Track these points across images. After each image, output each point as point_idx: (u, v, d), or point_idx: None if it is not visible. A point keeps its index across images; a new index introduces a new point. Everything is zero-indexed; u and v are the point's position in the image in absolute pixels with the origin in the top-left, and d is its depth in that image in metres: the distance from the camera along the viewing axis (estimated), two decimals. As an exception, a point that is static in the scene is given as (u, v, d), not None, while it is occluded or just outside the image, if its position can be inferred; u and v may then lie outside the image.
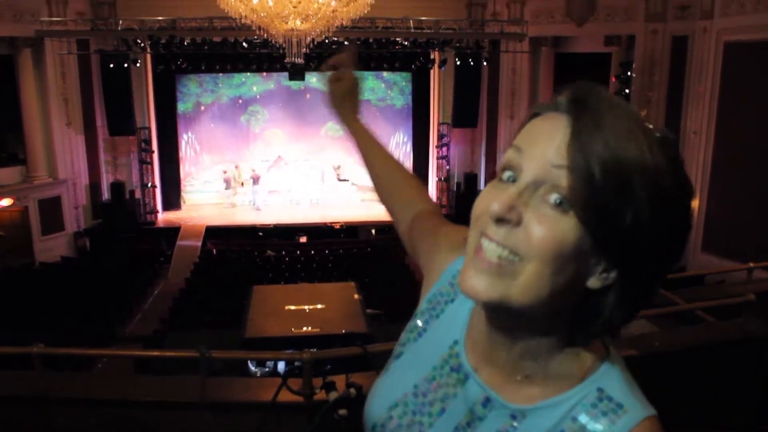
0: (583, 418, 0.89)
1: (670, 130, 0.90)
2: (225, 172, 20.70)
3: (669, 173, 0.83)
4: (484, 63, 17.90)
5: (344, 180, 21.05)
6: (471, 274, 0.86)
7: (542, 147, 0.84)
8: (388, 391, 1.10)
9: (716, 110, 14.25)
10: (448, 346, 1.06)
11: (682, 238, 0.86)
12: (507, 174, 0.87)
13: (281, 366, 6.86)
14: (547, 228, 0.81)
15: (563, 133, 0.83)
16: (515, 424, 0.94)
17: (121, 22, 16.06)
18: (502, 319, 0.92)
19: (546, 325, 0.90)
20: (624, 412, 0.88)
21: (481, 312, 0.98)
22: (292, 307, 9.05)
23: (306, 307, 9.07)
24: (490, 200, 0.85)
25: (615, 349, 0.96)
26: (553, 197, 0.81)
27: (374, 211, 20.02)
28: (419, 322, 1.14)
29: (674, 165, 0.85)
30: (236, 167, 20.81)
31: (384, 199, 1.50)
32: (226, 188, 20.71)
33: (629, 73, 16.36)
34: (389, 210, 1.47)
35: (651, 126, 0.86)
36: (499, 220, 0.83)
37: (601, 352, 0.94)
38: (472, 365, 1.01)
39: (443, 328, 1.09)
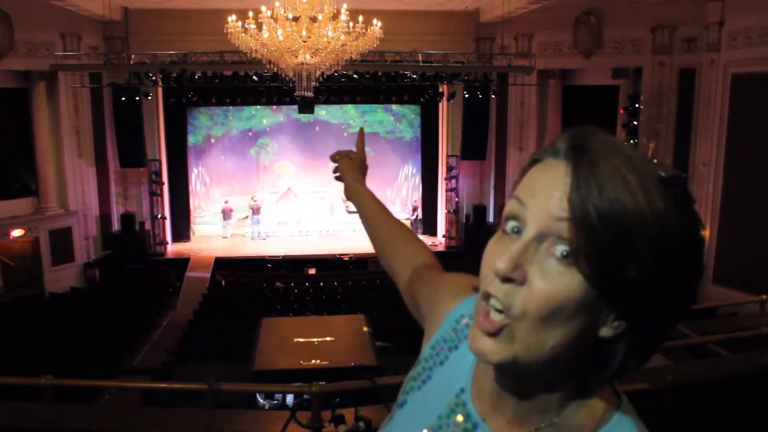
0: None
1: (678, 168, 0.89)
2: (226, 202, 20.72)
3: (674, 218, 0.79)
4: (493, 96, 18.02)
5: (353, 212, 20.97)
6: (476, 335, 0.85)
7: (544, 199, 0.82)
8: None
9: (725, 142, 14.25)
10: (455, 395, 1.03)
11: (693, 283, 0.84)
12: (511, 225, 0.85)
13: (290, 399, 6.81)
14: (551, 283, 0.79)
15: (563, 183, 0.80)
16: None
17: (133, 56, 16.29)
18: (511, 375, 0.89)
19: (557, 378, 0.88)
20: None
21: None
22: (301, 340, 9.01)
23: (315, 339, 9.02)
24: (496, 257, 0.83)
25: (626, 397, 0.94)
26: (560, 250, 0.79)
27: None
28: (422, 370, 1.11)
29: (681, 207, 0.81)
30: (252, 198, 20.85)
31: (385, 256, 1.52)
32: (224, 219, 20.68)
33: (637, 105, 16.40)
34: (390, 267, 1.50)
35: (657, 165, 0.83)
36: (505, 279, 0.81)
37: (612, 400, 0.92)
38: (479, 414, 0.98)
39: (448, 375, 1.06)
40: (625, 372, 0.87)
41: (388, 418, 1.13)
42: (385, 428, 1.12)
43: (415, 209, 21.13)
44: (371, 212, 1.62)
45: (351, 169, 1.77)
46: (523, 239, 0.82)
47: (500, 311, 0.82)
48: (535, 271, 0.80)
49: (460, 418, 1.00)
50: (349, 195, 1.72)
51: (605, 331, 0.83)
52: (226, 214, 20.61)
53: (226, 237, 20.38)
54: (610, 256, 0.77)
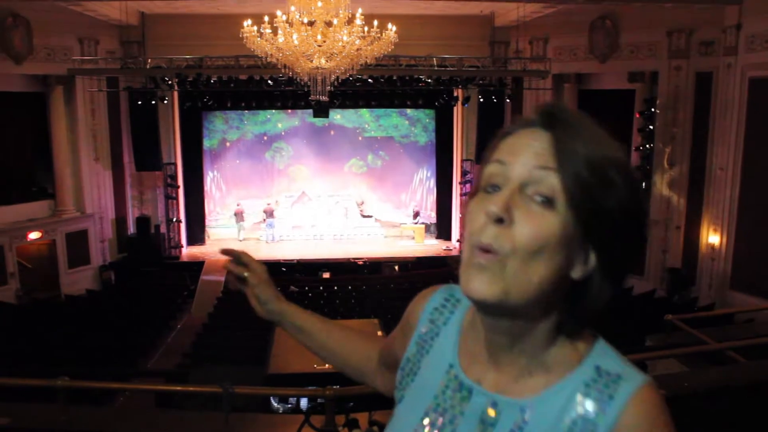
0: (587, 394, 0.98)
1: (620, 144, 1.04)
2: (238, 205, 20.80)
3: (629, 161, 1.00)
4: (507, 100, 17.96)
5: (368, 216, 21.11)
6: (470, 277, 0.97)
7: (525, 155, 0.97)
8: (402, 430, 1.15)
9: (742, 146, 14.11)
10: (445, 372, 1.13)
11: (644, 219, 1.01)
12: (490, 187, 1.00)
13: (304, 402, 6.82)
14: (535, 224, 0.94)
15: (541, 142, 0.97)
16: (526, 417, 1.01)
17: (149, 60, 16.40)
18: (501, 319, 1.01)
19: (539, 317, 1.00)
20: (622, 381, 0.97)
21: (473, 329, 1.11)
22: (315, 343, 9.00)
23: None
24: (482, 208, 0.97)
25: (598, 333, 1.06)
26: (539, 196, 0.95)
27: (397, 247, 20.04)
28: (412, 365, 1.21)
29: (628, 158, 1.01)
30: (276, 202, 20.90)
31: (346, 366, 1.51)
32: (237, 221, 20.77)
33: (653, 110, 16.30)
34: (355, 374, 1.52)
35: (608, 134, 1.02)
36: (499, 220, 0.94)
37: (591, 338, 1.04)
38: (473, 380, 1.09)
39: (435, 359, 1.16)
40: (595, 311, 1.00)
41: (392, 416, 1.21)
42: (391, 424, 1.19)
43: (416, 214, 21.08)
44: (312, 329, 1.53)
45: (267, 287, 1.54)
46: (510, 187, 0.96)
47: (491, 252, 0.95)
48: (521, 213, 0.94)
49: (454, 390, 1.10)
50: (277, 317, 1.53)
51: (576, 272, 0.97)
52: (239, 216, 20.69)
53: (241, 240, 20.45)
54: (595, 191, 0.94)
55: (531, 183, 0.95)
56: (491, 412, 1.04)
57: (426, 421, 1.11)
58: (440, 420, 1.09)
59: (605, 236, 0.95)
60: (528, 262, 0.93)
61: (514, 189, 0.96)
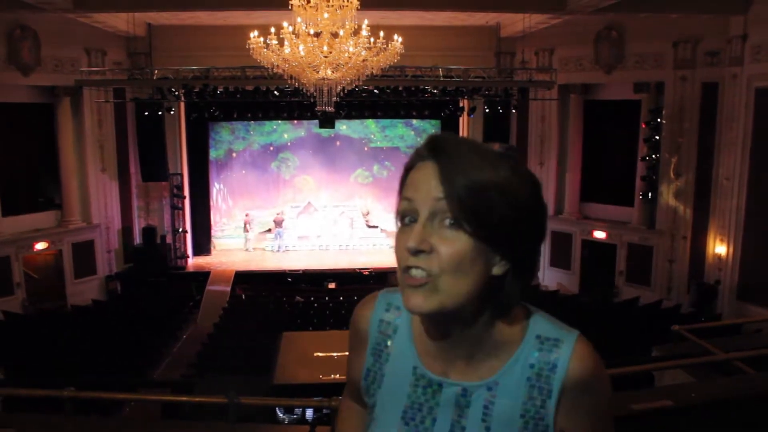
0: (536, 361, 1.21)
1: (508, 144, 1.28)
2: (247, 215, 20.82)
3: (514, 176, 1.15)
4: (513, 110, 17.97)
5: (373, 226, 21.10)
6: (408, 296, 1.16)
7: (425, 189, 1.15)
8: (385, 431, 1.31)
9: (748, 156, 14.10)
10: (411, 374, 1.30)
11: (541, 219, 1.19)
12: (407, 219, 1.18)
13: (309, 413, 6.80)
14: (451, 245, 1.12)
15: (434, 174, 1.15)
16: (494, 393, 1.23)
17: (156, 71, 16.48)
18: (448, 323, 1.22)
19: (475, 313, 1.20)
20: (561, 342, 1.21)
21: (423, 334, 1.29)
22: (321, 354, 9.02)
23: (335, 354, 9.02)
24: (403, 241, 1.16)
25: (531, 306, 1.28)
26: (447, 221, 1.13)
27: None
28: (374, 374, 1.36)
29: (516, 168, 1.17)
30: (282, 212, 20.92)
31: None
32: (245, 231, 20.80)
33: (659, 120, 16.30)
34: None
35: (493, 145, 1.20)
36: (417, 252, 1.13)
37: (525, 311, 1.26)
38: (439, 375, 1.27)
39: (397, 365, 1.32)
40: (516, 295, 1.20)
41: (370, 422, 1.36)
42: (370, 428, 1.35)
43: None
44: None
45: None
46: (420, 221, 1.15)
47: (423, 274, 1.13)
48: (437, 240, 1.13)
49: (424, 387, 1.28)
50: None
51: (497, 270, 1.16)
52: (246, 226, 20.72)
53: (248, 250, 20.47)
54: (478, 214, 1.11)
55: (437, 213, 1.14)
56: (463, 398, 1.24)
57: (406, 417, 1.28)
58: (419, 415, 1.28)
59: (501, 243, 1.14)
60: (455, 277, 1.13)
61: (424, 221, 1.14)
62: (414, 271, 1.14)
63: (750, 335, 9.22)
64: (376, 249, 20.59)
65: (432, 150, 1.18)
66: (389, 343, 1.35)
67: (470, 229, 1.12)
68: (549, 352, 1.21)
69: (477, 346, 1.24)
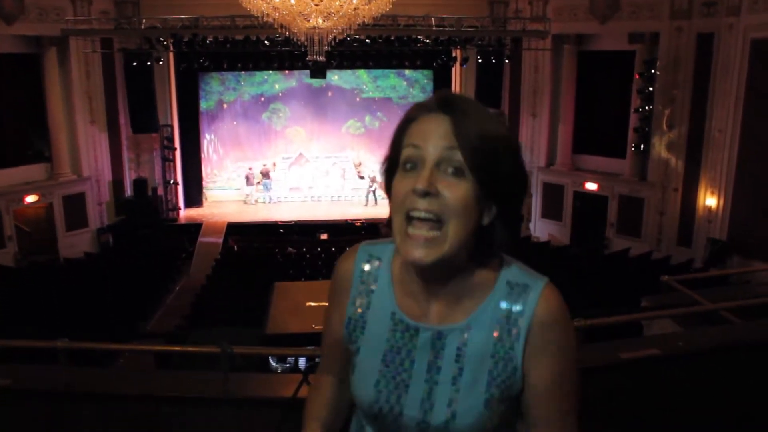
0: (505, 305, 1.32)
1: (499, 110, 1.90)
2: (250, 169, 20.75)
3: (510, 137, 1.29)
4: (506, 61, 17.80)
5: (365, 177, 21.07)
6: (411, 249, 1.25)
7: (434, 138, 1.24)
8: (366, 376, 1.39)
9: (741, 108, 14.04)
10: (390, 319, 1.39)
11: (525, 178, 1.31)
12: (409, 165, 1.26)
13: (302, 362, 6.88)
14: (455, 191, 1.22)
15: (445, 126, 1.24)
16: (466, 335, 1.32)
17: (144, 20, 16.18)
18: (431, 271, 1.29)
19: (462, 259, 1.29)
20: (530, 288, 1.31)
21: (403, 279, 1.39)
22: (313, 304, 9.08)
23: (327, 303, 9.07)
24: (407, 185, 1.25)
25: (506, 256, 1.37)
26: (451, 169, 1.23)
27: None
28: (356, 322, 1.43)
29: (509, 132, 1.32)
30: (274, 164, 20.86)
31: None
32: (248, 184, 20.77)
33: (653, 71, 16.17)
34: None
35: (490, 109, 1.30)
36: (425, 194, 1.22)
37: (499, 260, 1.36)
38: (415, 320, 1.36)
39: (378, 312, 1.41)
40: (504, 245, 1.32)
41: (353, 367, 1.43)
42: (355, 374, 1.42)
43: (373, 180, 20.67)
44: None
45: None
46: (427, 167, 1.23)
47: (430, 220, 1.22)
48: (443, 185, 1.22)
49: (402, 331, 1.37)
50: None
51: (485, 219, 1.27)
52: (249, 180, 20.68)
53: (253, 203, 20.48)
54: (487, 163, 1.22)
55: (443, 161, 1.23)
56: (438, 340, 1.33)
57: (386, 360, 1.37)
58: (398, 356, 1.36)
59: (500, 193, 1.25)
60: (460, 222, 1.22)
61: (431, 167, 1.23)
62: (420, 215, 1.23)
63: (737, 286, 9.33)
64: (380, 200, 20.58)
65: (444, 104, 1.26)
66: (370, 291, 1.43)
67: (476, 177, 1.22)
68: (518, 296, 1.31)
69: (453, 292, 1.33)
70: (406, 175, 1.27)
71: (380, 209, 19.89)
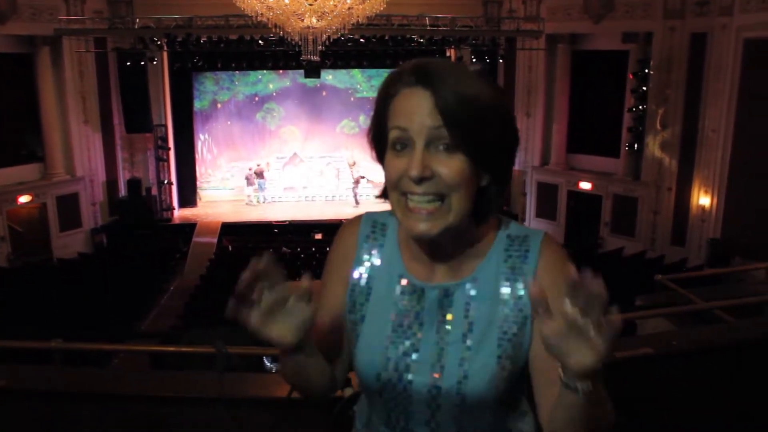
0: (508, 255, 1.31)
1: (476, 64, 1.70)
2: (250, 169, 20.74)
3: (496, 94, 1.24)
4: (500, 60, 17.81)
5: (360, 177, 21.07)
6: (414, 223, 1.23)
7: (419, 118, 1.19)
8: (373, 345, 1.33)
9: (735, 108, 14.09)
10: (397, 283, 1.36)
11: (515, 133, 1.28)
12: (399, 146, 1.22)
13: (297, 362, 6.86)
14: (450, 167, 1.19)
15: (427, 101, 1.18)
16: (473, 289, 1.30)
17: (138, 20, 16.15)
18: (442, 237, 1.25)
19: (465, 222, 1.27)
20: (530, 237, 1.32)
21: (410, 242, 1.35)
22: (308, 304, 9.05)
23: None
24: (399, 167, 1.22)
25: (503, 216, 1.37)
26: (441, 147, 1.19)
27: (389, 207, 20.07)
28: (361, 289, 1.39)
29: (493, 85, 1.27)
30: (267, 164, 20.86)
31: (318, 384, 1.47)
32: (248, 185, 20.77)
33: (647, 71, 16.20)
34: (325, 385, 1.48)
35: (470, 66, 1.49)
36: (421, 179, 1.19)
37: (497, 219, 1.35)
38: (422, 281, 1.33)
39: (384, 277, 1.38)
40: (501, 203, 1.31)
41: (356, 337, 1.36)
42: (360, 342, 1.36)
43: (357, 182, 20.51)
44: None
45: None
46: (418, 149, 1.20)
47: (433, 201, 1.21)
48: (438, 165, 1.19)
49: (410, 293, 1.34)
50: (305, 341, 1.29)
51: (482, 182, 1.25)
52: (250, 180, 20.67)
53: (255, 204, 20.48)
54: (475, 136, 1.19)
55: (432, 140, 1.19)
56: (446, 298, 1.31)
57: (395, 324, 1.33)
58: (406, 320, 1.32)
59: (491, 160, 1.23)
60: (461, 195, 1.21)
61: (421, 150, 1.20)
62: (420, 199, 1.21)
63: (731, 285, 9.37)
64: (362, 199, 20.58)
65: (421, 77, 1.20)
66: (376, 256, 1.40)
67: (467, 150, 1.19)
68: (520, 245, 1.31)
69: (458, 251, 1.32)
70: (397, 154, 1.23)
71: (375, 208, 19.87)
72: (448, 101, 1.17)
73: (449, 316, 1.30)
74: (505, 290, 1.29)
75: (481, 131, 1.19)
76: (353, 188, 20.47)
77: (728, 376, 3.95)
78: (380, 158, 1.31)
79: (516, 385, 1.30)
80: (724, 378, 3.94)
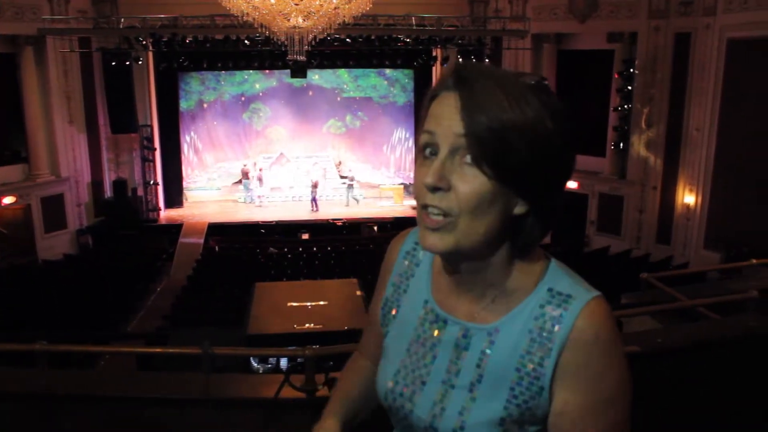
0: (541, 313, 1.14)
1: (539, 75, 1.15)
2: (245, 166, 20.71)
3: (543, 116, 1.07)
4: (487, 60, 17.84)
5: (346, 177, 21.07)
6: (425, 235, 1.12)
7: (447, 124, 1.08)
8: (389, 364, 1.30)
9: (719, 107, 14.22)
10: (421, 307, 1.29)
11: (568, 158, 1.12)
12: (427, 151, 1.12)
13: (284, 362, 6.88)
14: (470, 184, 1.07)
15: (456, 109, 1.07)
16: (492, 339, 1.17)
17: (122, 20, 16.05)
18: (461, 262, 1.17)
19: (491, 253, 1.15)
20: (573, 299, 1.12)
21: (441, 271, 1.26)
22: (295, 304, 9.07)
23: (308, 303, 9.08)
24: (422, 175, 1.11)
25: (555, 260, 1.21)
26: (468, 158, 1.07)
27: (376, 208, 20.07)
28: (392, 304, 1.36)
29: (548, 106, 1.09)
30: (254, 164, 20.82)
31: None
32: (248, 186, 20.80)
33: (632, 70, 16.32)
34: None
35: (525, 76, 1.11)
36: (434, 189, 1.08)
37: (544, 262, 1.20)
38: (446, 312, 1.24)
39: (413, 298, 1.32)
40: (536, 237, 1.16)
41: (383, 351, 1.35)
42: (383, 359, 1.34)
43: (315, 186, 20.30)
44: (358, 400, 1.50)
45: None
46: (440, 157, 1.09)
47: (440, 214, 1.09)
48: (456, 178, 1.08)
49: (431, 322, 1.26)
50: None
51: (518, 210, 1.11)
52: (246, 176, 20.64)
53: (258, 205, 20.43)
54: (497, 155, 1.05)
55: (457, 149, 1.08)
56: (463, 339, 1.20)
57: (410, 351, 1.28)
58: (422, 349, 1.26)
59: (521, 184, 1.08)
60: (472, 217, 1.08)
61: (444, 157, 1.09)
62: (431, 210, 1.10)
63: (715, 282, 9.44)
64: (347, 199, 20.59)
65: (457, 80, 1.10)
66: (411, 275, 1.35)
67: (488, 170, 1.06)
68: (557, 306, 1.13)
69: (488, 289, 1.19)
70: (424, 163, 1.12)
71: (362, 209, 19.92)
72: (471, 109, 1.06)
73: (462, 360, 1.20)
74: (527, 351, 1.14)
75: (505, 149, 1.05)
76: (347, 188, 20.50)
77: (713, 372, 3.98)
78: None
79: None
80: (710, 375, 3.97)
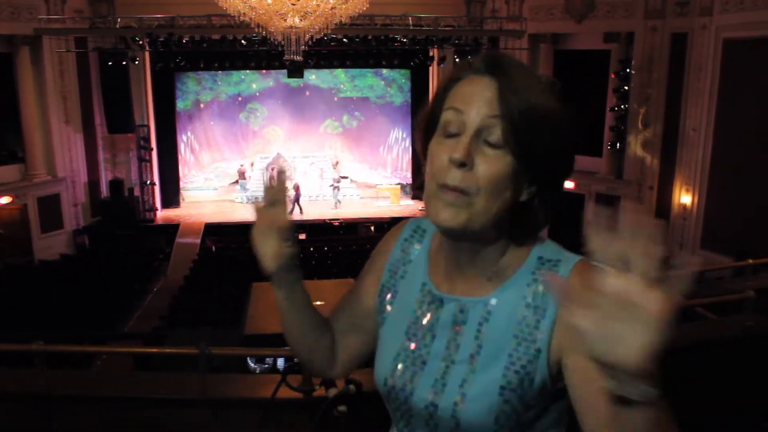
0: (533, 280, 1.19)
1: (552, 78, 1.24)
2: (242, 165, 20.70)
3: (560, 109, 1.16)
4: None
5: (343, 177, 21.07)
6: (439, 209, 1.14)
7: (477, 104, 1.13)
8: (388, 349, 1.31)
9: (715, 107, 14.24)
10: (419, 290, 1.32)
11: (571, 155, 1.20)
12: (450, 130, 1.15)
13: (281, 363, 6.86)
14: (491, 165, 1.11)
15: (489, 91, 1.13)
16: (489, 309, 1.21)
17: (119, 20, 16.03)
18: (464, 243, 1.21)
19: (495, 234, 1.20)
20: (562, 262, 1.19)
21: (440, 252, 1.30)
22: (292, 305, 9.02)
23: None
24: (444, 151, 1.13)
25: (543, 237, 1.27)
26: (494, 139, 1.11)
27: (373, 208, 20.06)
28: (388, 290, 1.38)
29: (561, 102, 1.17)
30: (251, 164, 20.80)
31: (312, 349, 1.53)
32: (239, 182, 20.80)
33: (628, 70, 16.34)
34: (312, 356, 1.55)
35: (541, 76, 1.19)
36: (462, 164, 1.11)
37: (534, 238, 1.25)
38: (442, 292, 1.27)
39: (410, 282, 1.34)
40: (538, 226, 1.22)
41: (379, 339, 1.37)
42: (377, 350, 1.35)
43: (297, 188, 19.71)
44: (308, 301, 1.50)
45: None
46: (468, 134, 1.12)
47: (458, 191, 1.11)
48: (480, 158, 1.12)
49: (428, 303, 1.29)
50: (291, 270, 1.44)
51: (523, 196, 1.17)
52: (241, 177, 20.61)
53: (245, 202, 20.39)
54: (528, 138, 1.11)
55: (484, 129, 1.12)
56: (461, 314, 1.24)
57: (409, 333, 1.29)
58: (420, 330, 1.28)
59: (539, 170, 1.15)
60: (490, 198, 1.12)
61: (471, 136, 1.12)
62: (451, 184, 1.12)
63: (712, 282, 9.46)
64: (346, 199, 20.58)
65: (491, 66, 1.15)
66: (407, 261, 1.37)
67: (516, 151, 1.11)
68: (548, 271, 1.19)
69: (485, 268, 1.23)
70: (444, 141, 1.15)
71: (359, 209, 19.90)
72: (510, 93, 1.11)
73: (461, 335, 1.22)
74: (522, 316, 1.17)
75: (534, 136, 1.11)
76: (333, 189, 20.40)
77: (711, 372, 3.99)
78: (424, 147, 1.23)
79: (516, 426, 1.18)
80: (708, 375, 3.98)
